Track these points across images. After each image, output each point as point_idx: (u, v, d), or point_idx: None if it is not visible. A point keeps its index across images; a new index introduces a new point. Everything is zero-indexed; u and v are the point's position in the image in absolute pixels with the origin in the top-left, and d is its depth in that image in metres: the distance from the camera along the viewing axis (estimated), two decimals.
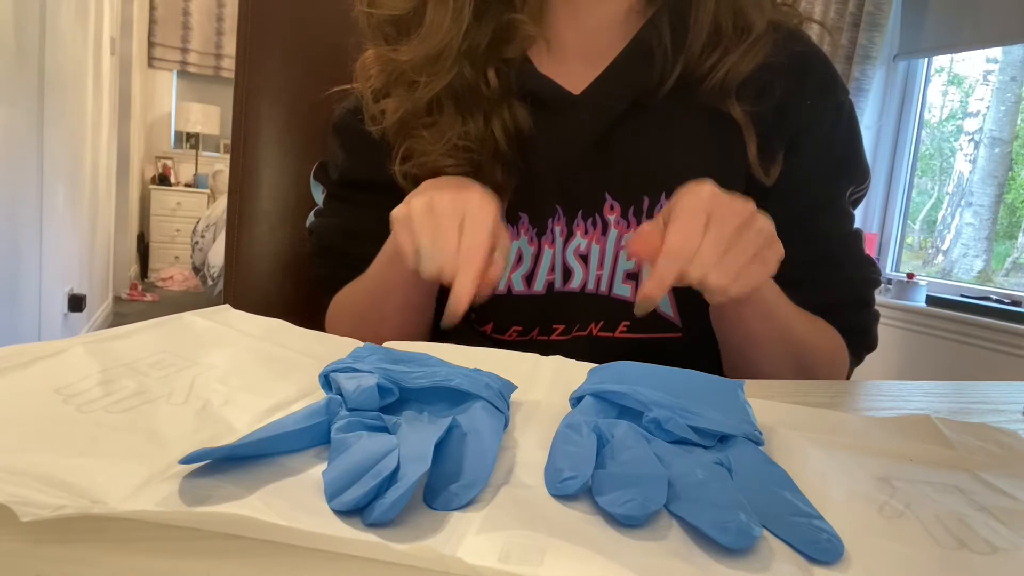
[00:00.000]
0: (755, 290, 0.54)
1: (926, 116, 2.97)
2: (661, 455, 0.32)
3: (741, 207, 0.48)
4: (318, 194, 0.74)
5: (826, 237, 0.67)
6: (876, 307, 0.71)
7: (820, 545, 0.26)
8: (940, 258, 3.05)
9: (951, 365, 2.50)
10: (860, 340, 0.68)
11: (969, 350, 2.45)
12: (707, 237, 0.47)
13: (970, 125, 2.97)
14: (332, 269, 0.70)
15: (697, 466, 0.31)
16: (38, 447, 0.28)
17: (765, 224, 0.49)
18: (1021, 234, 2.83)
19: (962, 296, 2.56)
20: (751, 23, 0.63)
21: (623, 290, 0.65)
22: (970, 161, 2.96)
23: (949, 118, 3.06)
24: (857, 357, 0.69)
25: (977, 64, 2.93)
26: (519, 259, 0.65)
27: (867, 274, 0.69)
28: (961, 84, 3.03)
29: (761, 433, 0.36)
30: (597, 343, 0.66)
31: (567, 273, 0.65)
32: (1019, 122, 2.77)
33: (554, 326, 0.66)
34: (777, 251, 0.51)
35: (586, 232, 0.65)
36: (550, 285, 0.65)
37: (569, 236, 0.65)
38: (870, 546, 0.27)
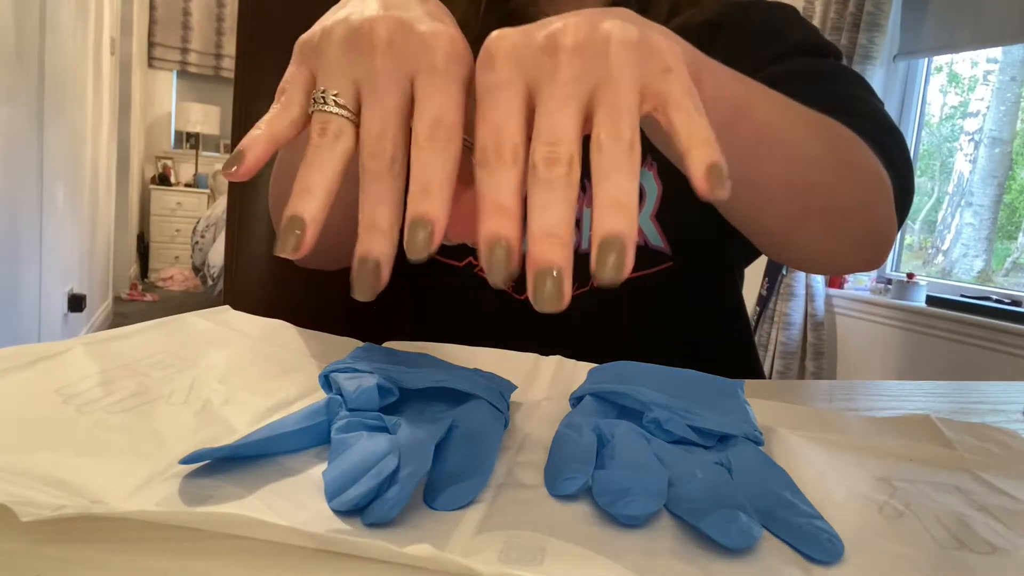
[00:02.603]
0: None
1: (926, 116, 2.97)
2: (661, 455, 0.32)
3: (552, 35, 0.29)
4: None
5: (805, 67, 0.61)
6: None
7: (820, 545, 0.26)
8: (940, 258, 3.05)
9: (951, 365, 2.50)
10: (891, 156, 0.53)
11: (969, 350, 2.45)
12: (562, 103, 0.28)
13: (970, 125, 2.97)
14: None
15: (697, 466, 0.31)
16: (38, 447, 0.28)
17: (623, 29, 0.29)
18: (1021, 234, 2.82)
19: (962, 296, 2.56)
20: None
21: None
22: (970, 161, 2.96)
23: (949, 118, 3.06)
24: (898, 177, 0.53)
25: (977, 64, 2.93)
26: None
27: (875, 101, 0.60)
28: (961, 84, 3.03)
29: (761, 433, 0.36)
30: (601, 294, 0.65)
31: None
32: (1019, 122, 2.77)
33: None
34: (662, 54, 0.29)
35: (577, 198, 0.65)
36: None
37: None
38: (870, 546, 0.27)
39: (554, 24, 0.29)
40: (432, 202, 0.28)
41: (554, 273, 0.26)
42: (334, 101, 0.30)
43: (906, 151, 0.56)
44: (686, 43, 0.34)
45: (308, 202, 0.29)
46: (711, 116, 0.34)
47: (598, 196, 0.26)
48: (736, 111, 0.39)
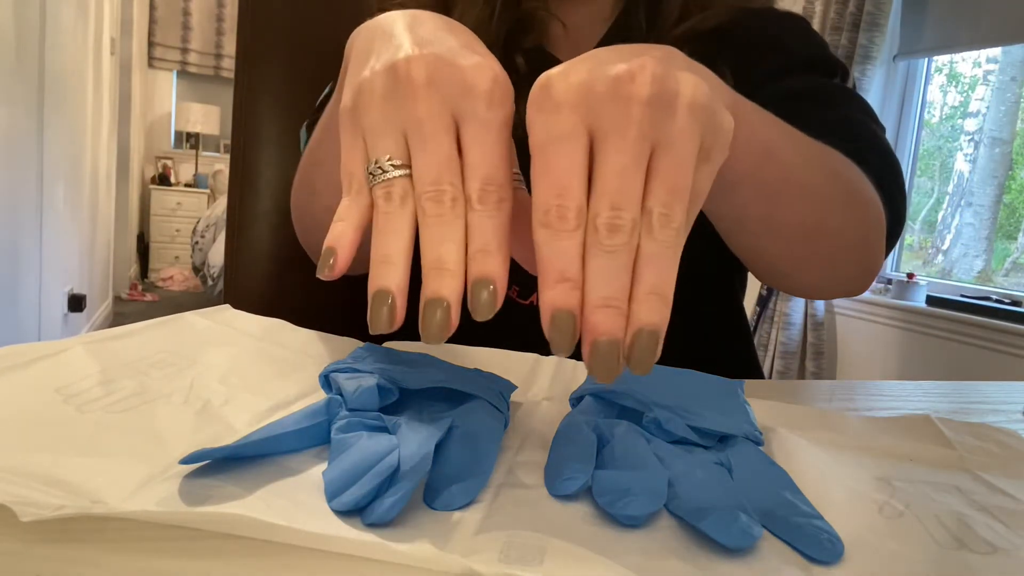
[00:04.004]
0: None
1: (926, 116, 2.97)
2: (661, 455, 0.32)
3: (639, 66, 0.27)
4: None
5: (809, 87, 0.61)
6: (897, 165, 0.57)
7: (820, 545, 0.26)
8: (940, 258, 3.05)
9: (951, 365, 2.50)
10: (889, 186, 0.53)
11: (969, 350, 2.45)
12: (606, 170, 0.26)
13: (970, 125, 2.96)
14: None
15: (697, 466, 0.31)
16: (38, 447, 0.28)
17: (696, 87, 0.28)
18: (1021, 234, 2.82)
19: (962, 296, 2.56)
20: (712, 2, 0.65)
21: None
22: (970, 161, 2.96)
23: (949, 118, 3.06)
24: (892, 211, 0.54)
25: (979, 64, 2.93)
26: None
27: (874, 127, 0.59)
28: (961, 84, 3.03)
29: (761, 433, 0.36)
30: None
31: None
32: (1019, 122, 2.77)
33: None
34: (722, 125, 0.29)
35: None
36: None
37: None
38: (870, 546, 0.27)
39: (624, 65, 0.27)
40: (491, 262, 0.28)
41: (612, 343, 0.25)
42: (391, 166, 0.29)
43: (902, 181, 0.57)
44: (726, 87, 0.34)
45: (391, 272, 0.28)
46: (742, 159, 0.37)
47: (639, 283, 0.26)
48: (765, 154, 0.39)
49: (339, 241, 0.29)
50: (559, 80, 0.27)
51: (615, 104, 0.27)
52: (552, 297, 0.26)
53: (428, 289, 0.27)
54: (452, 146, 0.29)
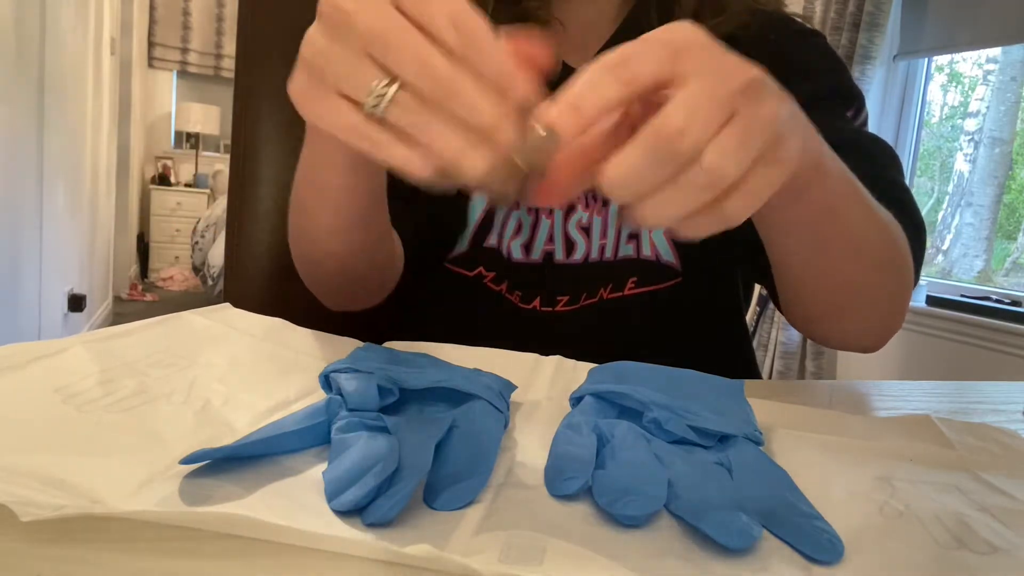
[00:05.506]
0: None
1: (926, 116, 2.97)
2: (661, 455, 0.32)
3: (738, 64, 0.31)
4: None
5: (839, 130, 0.60)
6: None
7: (820, 545, 0.26)
8: (940, 258, 3.05)
9: (951, 365, 2.50)
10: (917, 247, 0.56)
11: (969, 350, 2.44)
12: (688, 93, 0.30)
13: (970, 125, 2.96)
14: None
15: (697, 466, 0.31)
16: (38, 447, 0.28)
17: (778, 106, 0.31)
18: (1021, 234, 2.82)
19: (962, 296, 2.56)
20: (725, 6, 0.65)
21: (626, 250, 0.65)
22: (970, 161, 2.96)
23: (949, 118, 3.06)
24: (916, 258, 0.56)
25: (981, 64, 2.93)
26: (518, 228, 0.66)
27: (900, 181, 0.61)
28: (961, 84, 3.02)
29: (761, 433, 0.36)
30: (609, 305, 0.65)
31: (570, 245, 0.65)
32: (1019, 122, 2.77)
33: (558, 297, 0.66)
34: (786, 150, 0.31)
35: (587, 205, 0.65)
36: (547, 255, 0.65)
37: (570, 209, 0.65)
38: (870, 546, 0.27)
39: (736, 58, 0.32)
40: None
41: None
42: (383, 87, 0.30)
43: (925, 245, 0.60)
44: (818, 136, 0.38)
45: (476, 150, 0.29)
46: (805, 213, 0.42)
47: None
48: (830, 213, 0.43)
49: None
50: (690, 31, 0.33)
51: (718, 72, 0.30)
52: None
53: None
54: (413, 31, 0.28)
